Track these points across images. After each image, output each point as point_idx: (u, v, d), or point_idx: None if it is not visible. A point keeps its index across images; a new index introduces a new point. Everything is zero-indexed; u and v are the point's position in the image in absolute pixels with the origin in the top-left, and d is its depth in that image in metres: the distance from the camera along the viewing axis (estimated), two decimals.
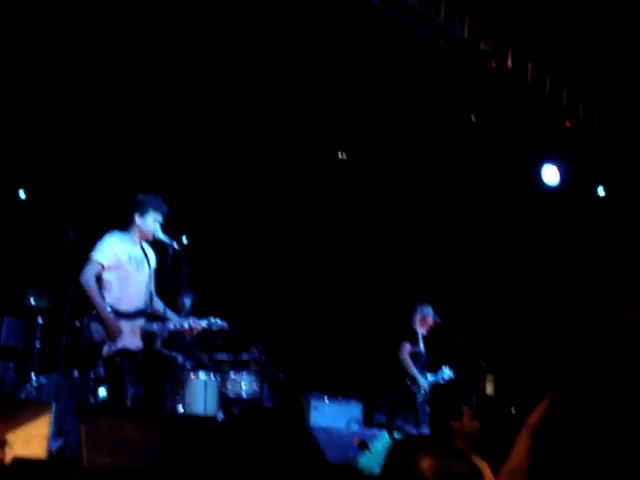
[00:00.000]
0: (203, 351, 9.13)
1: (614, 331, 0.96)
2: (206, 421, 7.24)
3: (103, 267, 6.78)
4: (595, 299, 11.20)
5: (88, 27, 8.45)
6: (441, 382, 9.31)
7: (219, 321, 7.45)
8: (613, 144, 11.18)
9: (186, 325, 7.29)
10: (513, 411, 11.97)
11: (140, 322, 7.00)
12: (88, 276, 6.71)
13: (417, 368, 9.20)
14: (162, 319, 7.12)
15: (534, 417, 1.19)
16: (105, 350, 6.64)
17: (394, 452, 2.28)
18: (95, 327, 6.66)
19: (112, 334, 6.64)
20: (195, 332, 7.46)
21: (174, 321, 7.22)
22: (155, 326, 7.17)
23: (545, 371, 10.71)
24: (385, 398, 9.22)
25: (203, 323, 7.37)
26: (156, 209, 7.02)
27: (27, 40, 8.53)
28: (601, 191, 11.53)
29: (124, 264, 6.88)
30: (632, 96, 10.33)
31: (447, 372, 9.33)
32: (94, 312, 6.68)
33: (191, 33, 8.76)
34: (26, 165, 10.33)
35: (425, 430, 8.76)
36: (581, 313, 11.24)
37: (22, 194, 10.35)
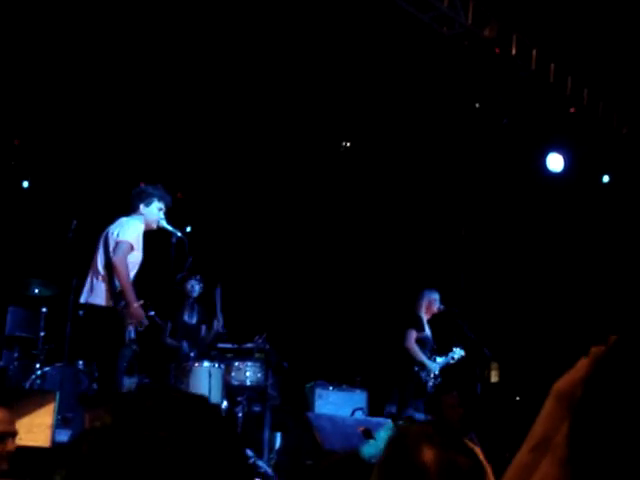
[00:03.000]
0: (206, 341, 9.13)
1: None
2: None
3: (132, 248, 6.80)
4: (599, 287, 11.18)
5: (93, 18, 8.44)
6: (452, 362, 9.28)
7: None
8: (618, 131, 11.14)
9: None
10: (518, 398, 11.98)
11: None
12: (123, 257, 6.67)
13: (425, 353, 9.18)
14: None
15: (562, 383, 1.16)
16: (127, 337, 6.67)
17: (395, 441, 2.22)
18: (125, 312, 6.67)
19: (139, 320, 6.66)
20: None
21: None
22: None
23: (549, 358, 10.70)
24: (395, 388, 9.20)
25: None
26: (160, 199, 7.10)
27: (32, 30, 8.50)
28: (606, 178, 11.50)
29: (140, 250, 6.92)
30: (637, 83, 10.27)
31: (458, 352, 9.30)
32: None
33: (196, 22, 8.74)
34: (29, 155, 10.32)
35: None
36: (585, 301, 11.22)
37: (25, 184, 10.34)
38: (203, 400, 1.34)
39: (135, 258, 6.88)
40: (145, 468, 1.20)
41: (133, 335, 6.82)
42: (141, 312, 6.66)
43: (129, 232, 6.82)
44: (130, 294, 6.64)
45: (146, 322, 6.73)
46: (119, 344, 6.74)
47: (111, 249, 6.73)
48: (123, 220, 6.94)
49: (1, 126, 9.73)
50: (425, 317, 9.43)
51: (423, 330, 9.33)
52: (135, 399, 1.32)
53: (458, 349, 9.32)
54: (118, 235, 6.79)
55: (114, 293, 6.68)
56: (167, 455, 1.21)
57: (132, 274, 6.87)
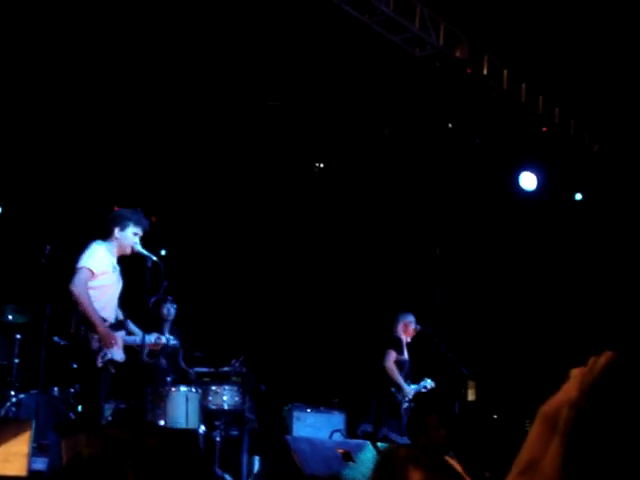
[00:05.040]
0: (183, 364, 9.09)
1: None
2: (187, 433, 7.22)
3: (93, 274, 6.76)
4: (574, 304, 11.24)
5: (67, 44, 8.44)
6: (423, 391, 9.34)
7: (172, 339, 7.86)
8: (589, 149, 11.24)
9: (152, 339, 7.43)
10: (495, 417, 11.99)
11: (122, 334, 7.01)
12: (80, 284, 6.65)
13: (402, 376, 9.21)
14: (131, 333, 7.16)
15: (549, 406, 1.16)
16: (99, 360, 6.61)
17: (383, 462, 2.22)
18: (92, 336, 6.63)
19: (108, 343, 6.61)
20: (159, 347, 7.67)
21: (139, 335, 7.24)
22: (131, 339, 7.19)
23: (526, 377, 10.73)
24: (371, 407, 9.20)
25: (163, 339, 7.58)
26: (137, 223, 7.04)
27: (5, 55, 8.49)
28: (578, 196, 11.59)
29: (109, 273, 6.88)
30: (607, 101, 10.39)
31: (429, 382, 9.38)
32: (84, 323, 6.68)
33: (173, 45, 8.76)
34: (1, 179, 10.25)
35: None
36: (560, 318, 11.27)
37: None
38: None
39: (104, 281, 6.87)
40: None
41: (115, 357, 6.77)
42: (108, 334, 6.63)
43: (87, 258, 6.81)
44: (93, 319, 6.62)
45: (115, 342, 6.70)
46: (88, 369, 6.73)
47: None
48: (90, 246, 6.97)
49: None
50: (404, 339, 9.46)
51: (402, 353, 9.36)
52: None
53: (429, 380, 9.40)
54: (77, 262, 6.79)
55: (77, 320, 6.70)
56: None
57: (105, 298, 6.87)
